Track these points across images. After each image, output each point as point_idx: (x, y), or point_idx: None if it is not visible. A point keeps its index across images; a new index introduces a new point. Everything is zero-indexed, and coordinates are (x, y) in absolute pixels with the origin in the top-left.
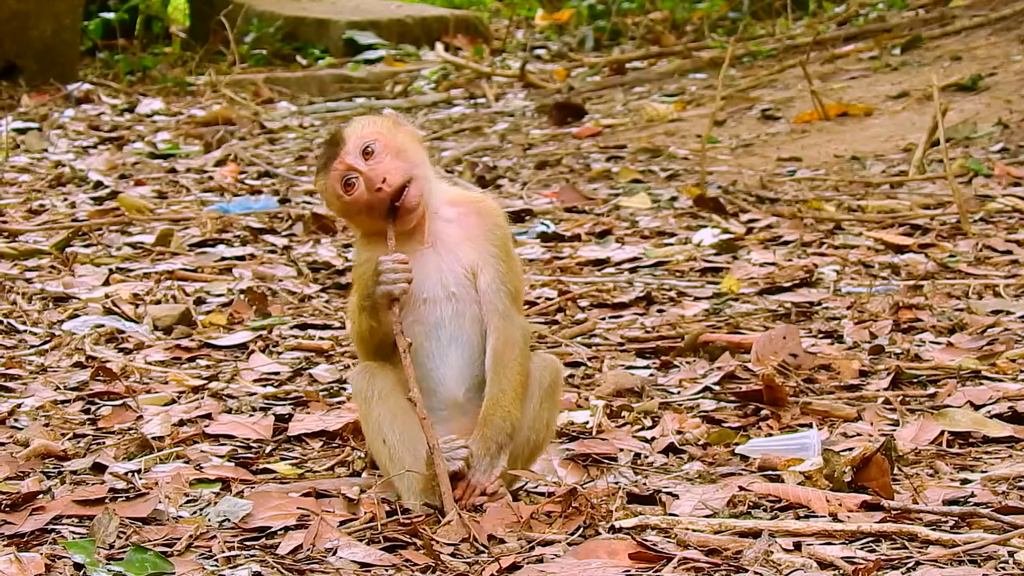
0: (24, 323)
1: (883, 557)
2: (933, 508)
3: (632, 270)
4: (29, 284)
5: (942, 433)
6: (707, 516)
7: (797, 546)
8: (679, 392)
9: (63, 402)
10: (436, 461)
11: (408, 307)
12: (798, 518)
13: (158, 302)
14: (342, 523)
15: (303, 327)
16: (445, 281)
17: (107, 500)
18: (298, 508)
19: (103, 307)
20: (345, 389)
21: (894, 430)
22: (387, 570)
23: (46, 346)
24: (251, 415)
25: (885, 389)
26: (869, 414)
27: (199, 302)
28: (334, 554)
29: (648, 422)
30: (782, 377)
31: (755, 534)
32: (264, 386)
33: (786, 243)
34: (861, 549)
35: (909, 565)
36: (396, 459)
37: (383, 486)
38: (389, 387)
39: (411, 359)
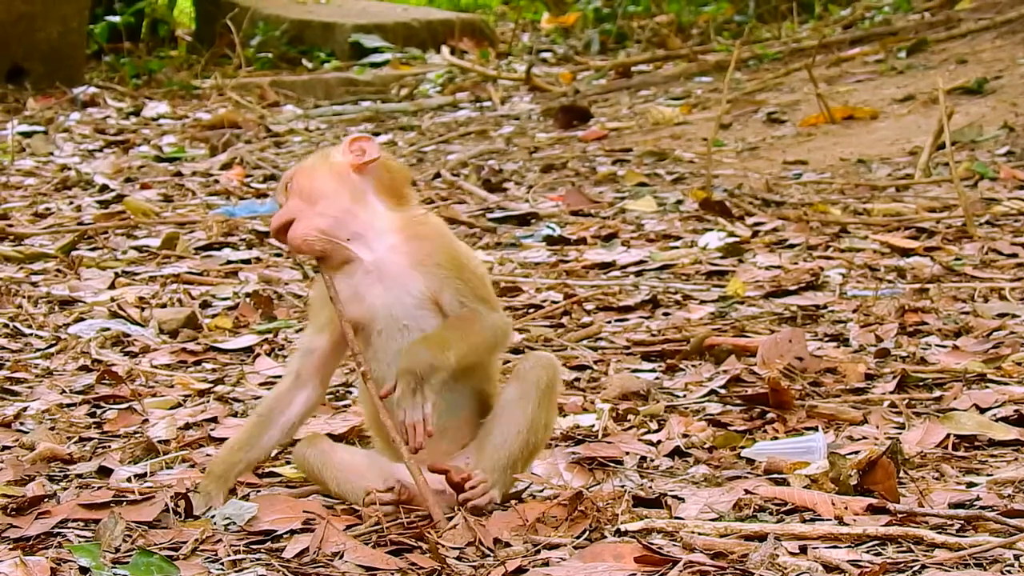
0: (30, 326)
1: (889, 560)
2: (939, 511)
3: (638, 273)
4: (35, 288)
5: (948, 436)
6: (713, 519)
7: (803, 549)
8: (685, 395)
9: (69, 405)
10: (416, 478)
11: (365, 340)
12: (804, 521)
13: (164, 305)
14: (348, 527)
15: None
16: (395, 313)
17: (113, 504)
18: (304, 511)
19: (109, 310)
20: (351, 393)
21: (900, 433)
22: (393, 574)
23: (52, 349)
24: None
25: (891, 392)
26: (875, 417)
27: (205, 305)
28: (340, 558)
29: (654, 425)
30: (788, 380)
31: (761, 537)
32: (270, 389)
33: (792, 246)
34: (867, 552)
35: (915, 568)
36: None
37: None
38: (326, 451)
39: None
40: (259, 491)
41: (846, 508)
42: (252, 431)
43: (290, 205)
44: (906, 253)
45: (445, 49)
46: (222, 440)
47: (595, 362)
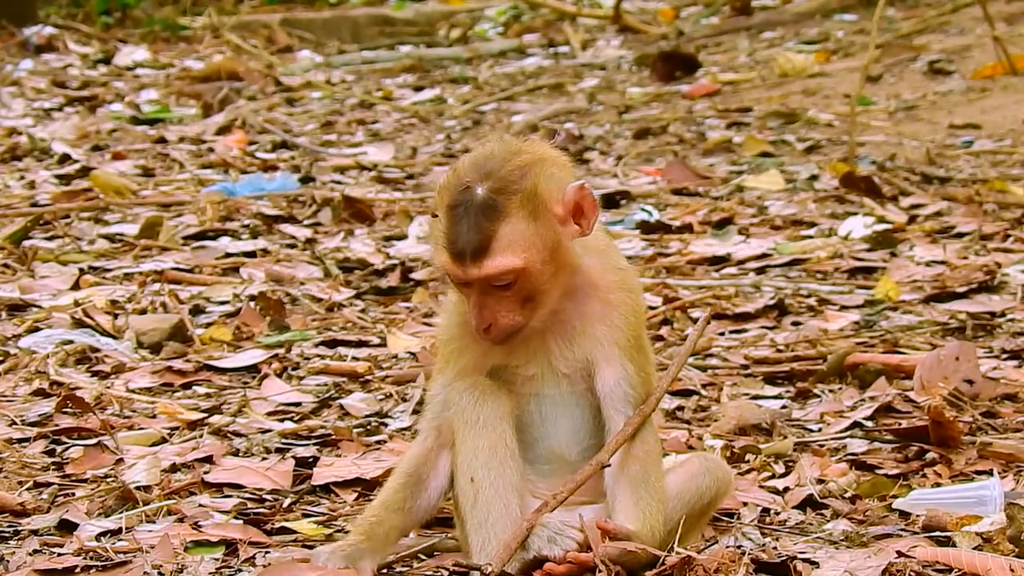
0: None
1: None
2: None
3: (760, 271)
4: None
5: None
6: None
7: None
8: (820, 429)
9: (21, 441)
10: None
11: (509, 376)
12: None
13: (143, 311)
14: None
15: (331, 344)
16: (555, 363)
17: (78, 569)
18: None
19: (72, 318)
20: (386, 425)
21: None
22: None
23: None
24: (264, 458)
25: None
26: None
27: (196, 311)
28: None
29: (780, 468)
30: (954, 410)
31: None
32: (281, 421)
33: (960, 235)
34: None
35: None
36: (482, 504)
37: (458, 537)
38: (498, 416)
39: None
40: (267, 551)
41: None
42: (402, 492)
43: None
44: None
45: None
46: (217, 486)
47: (704, 386)
